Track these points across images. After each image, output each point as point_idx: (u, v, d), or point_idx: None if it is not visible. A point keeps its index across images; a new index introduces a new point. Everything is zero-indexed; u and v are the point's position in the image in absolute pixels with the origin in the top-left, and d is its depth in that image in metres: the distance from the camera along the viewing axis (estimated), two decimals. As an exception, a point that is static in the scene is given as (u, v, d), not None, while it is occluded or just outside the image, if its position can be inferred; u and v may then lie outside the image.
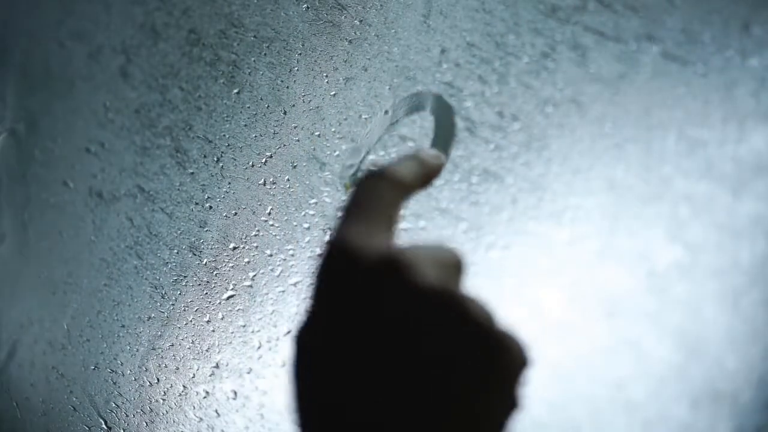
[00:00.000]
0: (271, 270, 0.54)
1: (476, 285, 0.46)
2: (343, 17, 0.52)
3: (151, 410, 0.60)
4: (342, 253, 0.25)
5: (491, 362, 0.24)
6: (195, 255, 0.58)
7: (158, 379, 0.60)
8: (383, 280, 0.25)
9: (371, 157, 0.50)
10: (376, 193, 0.28)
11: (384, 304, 0.24)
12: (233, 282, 0.56)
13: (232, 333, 0.56)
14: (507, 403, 0.25)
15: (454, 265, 0.27)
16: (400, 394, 0.23)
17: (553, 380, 0.42)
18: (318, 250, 0.51)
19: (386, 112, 0.49)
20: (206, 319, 0.57)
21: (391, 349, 0.24)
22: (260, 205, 0.55)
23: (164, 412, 0.59)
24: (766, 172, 0.38)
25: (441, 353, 0.24)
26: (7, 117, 0.76)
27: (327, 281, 0.25)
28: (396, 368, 0.24)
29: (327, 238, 0.27)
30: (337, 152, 0.51)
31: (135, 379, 0.61)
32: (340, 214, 0.28)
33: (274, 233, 0.54)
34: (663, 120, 0.40)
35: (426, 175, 0.32)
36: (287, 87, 0.55)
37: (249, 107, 0.57)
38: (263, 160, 0.55)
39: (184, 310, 0.58)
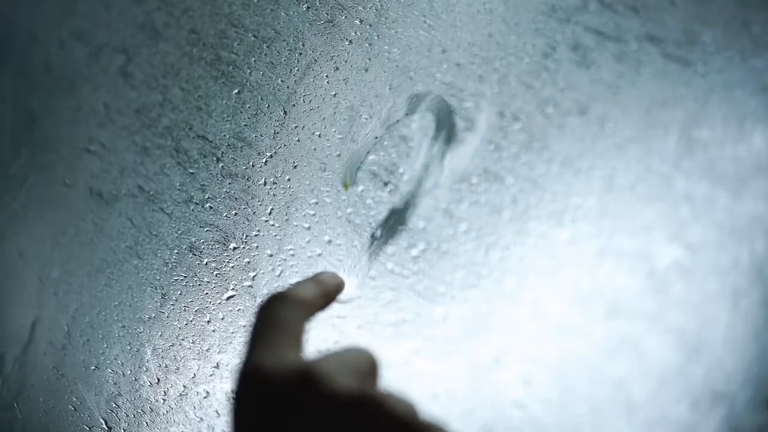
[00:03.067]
0: (272, 270, 0.54)
1: (477, 285, 0.46)
2: (343, 17, 0.53)
3: (152, 410, 0.60)
4: (255, 377, 0.26)
5: None
6: (195, 255, 0.58)
7: (158, 379, 0.60)
8: (299, 396, 0.25)
9: (372, 157, 0.50)
10: (280, 316, 0.29)
11: (304, 419, 0.24)
12: (233, 282, 0.56)
13: (233, 333, 0.56)
14: None
15: (367, 367, 0.28)
16: None
17: (553, 380, 0.42)
18: (318, 250, 0.51)
19: (388, 111, 0.49)
20: (206, 319, 0.57)
21: None
22: (261, 205, 0.55)
23: (164, 412, 0.59)
24: (766, 172, 0.38)
25: None
26: (7, 116, 0.76)
27: (245, 407, 0.26)
28: None
29: (238, 366, 0.27)
30: (337, 152, 0.51)
31: (135, 379, 0.61)
32: (247, 339, 0.28)
33: (274, 233, 0.54)
34: (663, 120, 0.40)
35: (326, 296, 0.34)
36: (287, 87, 0.55)
37: (249, 107, 0.57)
38: (264, 160, 0.55)
39: (185, 310, 0.58)
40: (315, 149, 0.53)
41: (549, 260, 0.43)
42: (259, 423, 0.25)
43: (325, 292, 0.34)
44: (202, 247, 0.58)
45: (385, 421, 0.24)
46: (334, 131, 0.52)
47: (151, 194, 0.61)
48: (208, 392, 0.57)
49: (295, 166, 0.53)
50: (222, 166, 0.57)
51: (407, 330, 0.47)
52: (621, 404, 0.40)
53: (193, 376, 0.58)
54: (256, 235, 0.55)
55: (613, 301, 0.40)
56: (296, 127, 0.54)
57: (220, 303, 0.56)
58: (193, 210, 0.59)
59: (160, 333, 0.60)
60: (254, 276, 0.55)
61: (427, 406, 0.46)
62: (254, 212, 0.55)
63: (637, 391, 0.39)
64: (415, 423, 0.25)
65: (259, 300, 0.54)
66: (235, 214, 0.56)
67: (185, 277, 0.59)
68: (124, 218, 0.63)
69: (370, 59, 0.51)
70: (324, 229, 0.51)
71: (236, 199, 0.56)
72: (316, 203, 0.52)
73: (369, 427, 0.24)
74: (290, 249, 0.53)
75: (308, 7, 0.54)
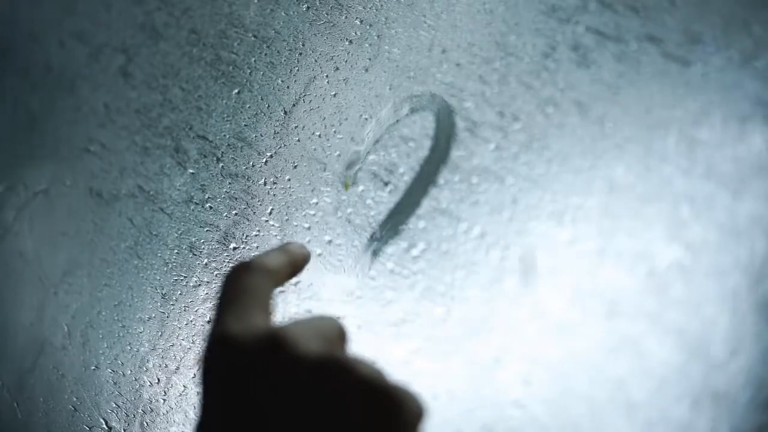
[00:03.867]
0: (272, 270, 0.54)
1: (477, 285, 0.46)
2: (343, 17, 0.53)
3: (152, 410, 0.60)
4: (223, 343, 0.26)
5: (388, 417, 0.24)
6: (195, 255, 0.58)
7: (159, 379, 0.60)
8: (267, 360, 0.25)
9: (372, 157, 0.50)
10: (247, 284, 0.29)
11: (272, 382, 0.24)
12: (233, 282, 0.56)
13: (233, 333, 0.56)
14: None
15: (335, 333, 0.28)
16: None
17: (553, 380, 0.42)
18: (318, 250, 0.51)
19: (388, 111, 0.49)
20: (207, 319, 0.57)
21: (288, 422, 0.24)
22: (261, 205, 0.55)
23: (165, 412, 0.59)
24: (766, 172, 0.38)
25: (337, 418, 0.24)
26: (7, 116, 0.76)
27: (213, 373, 0.26)
28: None
29: (206, 333, 0.27)
30: (338, 152, 0.51)
31: (135, 379, 0.61)
32: (214, 307, 0.29)
33: (274, 233, 0.54)
34: (663, 120, 0.40)
35: (292, 265, 0.34)
36: (287, 87, 0.55)
37: (249, 107, 0.57)
38: (264, 160, 0.55)
39: (185, 310, 0.58)
40: (315, 149, 0.53)
41: (549, 260, 0.43)
42: (227, 388, 0.25)
43: (291, 262, 0.34)
44: (202, 247, 0.58)
45: (352, 384, 0.24)
46: (334, 131, 0.52)
47: (151, 194, 0.61)
48: (208, 392, 0.57)
49: (295, 166, 0.53)
50: (222, 166, 0.57)
51: (407, 330, 0.47)
52: (621, 404, 0.40)
53: (193, 376, 0.58)
54: (256, 235, 0.55)
55: (613, 301, 0.40)
56: (296, 127, 0.54)
57: (220, 303, 0.56)
58: (193, 210, 0.59)
59: (160, 333, 0.60)
60: (254, 276, 0.55)
61: (427, 406, 0.46)
62: (254, 212, 0.55)
63: (637, 391, 0.39)
64: (382, 385, 0.25)
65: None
66: (235, 214, 0.56)
67: (185, 277, 0.59)
68: (124, 218, 0.63)
69: (370, 59, 0.51)
70: (324, 229, 0.51)
71: (236, 199, 0.56)
72: (316, 203, 0.52)
73: (337, 390, 0.24)
74: (290, 249, 0.53)
75: (308, 7, 0.54)
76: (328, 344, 0.27)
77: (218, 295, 0.29)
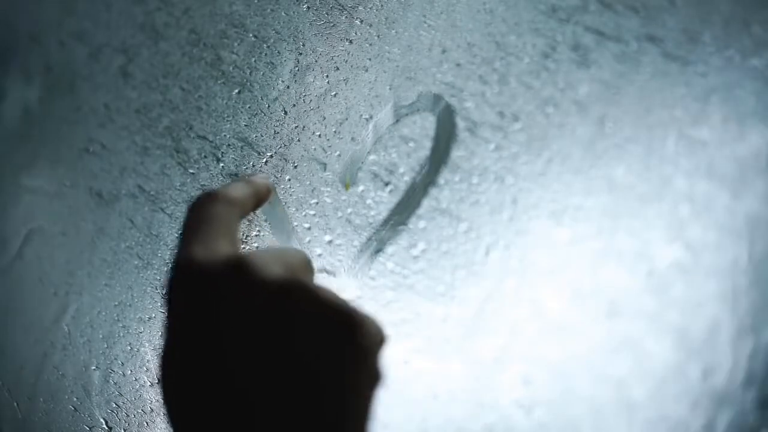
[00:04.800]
0: (272, 270, 0.54)
1: (477, 285, 0.46)
2: (343, 17, 0.53)
3: (152, 410, 0.60)
4: (187, 268, 0.26)
5: (351, 340, 0.25)
6: (195, 255, 0.58)
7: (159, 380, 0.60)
8: (229, 284, 0.25)
9: (372, 157, 0.50)
10: (212, 212, 0.29)
11: (234, 306, 0.25)
12: (233, 282, 0.56)
13: (233, 333, 0.56)
14: (371, 376, 0.26)
15: (299, 262, 0.28)
16: (272, 387, 0.24)
17: (553, 380, 0.42)
18: (318, 250, 0.51)
19: (388, 111, 0.49)
20: (206, 319, 0.57)
21: (250, 343, 0.24)
22: (260, 205, 0.55)
23: (165, 412, 0.59)
24: (766, 172, 0.38)
25: (300, 340, 0.24)
26: (7, 116, 0.76)
27: (177, 297, 0.26)
28: (258, 362, 0.24)
29: (172, 259, 0.28)
30: (338, 152, 0.51)
31: (136, 380, 0.61)
32: (179, 235, 0.29)
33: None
34: (663, 120, 0.40)
35: (256, 196, 0.34)
36: (287, 87, 0.55)
37: (249, 107, 0.57)
38: (264, 161, 0.55)
39: (185, 310, 0.58)
40: (315, 149, 0.53)
41: (549, 260, 0.43)
42: (191, 312, 0.25)
43: (255, 192, 0.35)
44: (202, 247, 0.58)
45: (314, 307, 0.25)
46: (334, 131, 0.52)
47: (152, 194, 0.61)
48: (208, 392, 0.57)
49: (295, 166, 0.53)
50: (222, 166, 0.57)
51: (407, 330, 0.47)
52: (621, 404, 0.40)
53: (193, 376, 0.58)
54: (256, 235, 0.55)
55: (613, 301, 0.40)
56: (296, 127, 0.54)
57: (220, 303, 0.56)
58: (193, 210, 0.59)
59: (160, 333, 0.60)
60: (254, 276, 0.55)
61: (428, 406, 0.46)
62: (254, 212, 0.55)
63: (637, 391, 0.39)
64: (344, 309, 0.25)
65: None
66: (235, 214, 0.56)
67: (185, 277, 0.59)
68: (124, 218, 0.63)
69: (370, 59, 0.51)
70: (324, 229, 0.51)
71: (236, 199, 0.56)
72: (316, 203, 0.52)
73: (298, 312, 0.25)
74: (290, 249, 0.53)
75: (308, 7, 0.54)
76: (291, 271, 0.27)
77: (183, 223, 0.29)
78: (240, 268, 0.25)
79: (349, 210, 0.50)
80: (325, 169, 0.52)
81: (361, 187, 0.50)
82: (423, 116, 0.48)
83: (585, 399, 0.41)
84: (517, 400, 0.43)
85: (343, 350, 0.24)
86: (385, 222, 0.49)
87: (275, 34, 0.56)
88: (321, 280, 0.51)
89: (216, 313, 0.24)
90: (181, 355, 0.25)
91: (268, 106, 0.56)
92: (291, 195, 0.53)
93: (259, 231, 0.54)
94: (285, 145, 0.54)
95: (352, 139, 0.51)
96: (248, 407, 0.23)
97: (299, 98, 0.54)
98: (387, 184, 0.49)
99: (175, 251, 0.27)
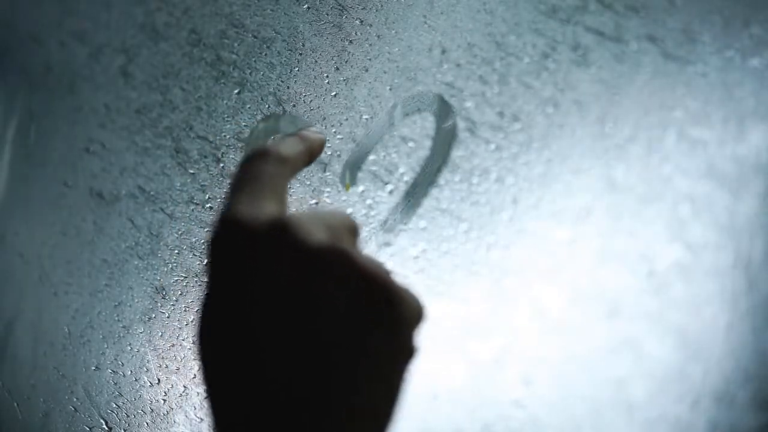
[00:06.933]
0: (272, 270, 0.54)
1: (477, 285, 0.46)
2: (343, 18, 0.53)
3: (152, 410, 0.60)
4: (231, 225, 0.26)
5: (389, 312, 0.24)
6: (196, 255, 0.58)
7: (159, 380, 0.60)
8: (272, 244, 0.25)
9: (372, 157, 0.50)
10: (261, 169, 0.29)
11: (275, 266, 0.24)
12: (234, 282, 0.56)
13: (233, 333, 0.56)
14: (405, 350, 0.25)
15: (345, 227, 0.28)
16: (306, 354, 0.24)
17: (553, 380, 0.42)
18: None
19: (388, 111, 0.50)
20: (207, 319, 0.57)
21: (284, 309, 0.24)
22: (261, 205, 0.55)
23: (165, 412, 0.59)
24: (766, 171, 0.38)
25: (335, 306, 0.24)
26: (8, 116, 0.76)
27: (218, 253, 0.26)
28: (291, 327, 0.24)
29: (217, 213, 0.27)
30: (338, 153, 0.51)
31: (136, 380, 0.61)
32: (226, 192, 0.28)
33: (274, 233, 0.54)
34: (663, 120, 0.41)
35: (308, 152, 0.33)
36: (287, 87, 0.55)
37: (249, 107, 0.57)
38: (264, 160, 0.55)
39: (185, 311, 0.58)
40: (315, 149, 0.53)
41: (549, 260, 0.43)
42: (231, 270, 0.25)
43: (309, 149, 0.34)
44: (202, 247, 0.58)
45: (354, 275, 0.24)
46: (335, 132, 0.52)
47: (152, 195, 0.61)
48: (208, 392, 0.57)
49: (295, 166, 0.53)
50: (222, 167, 0.57)
51: (407, 330, 0.47)
52: (621, 404, 0.40)
53: (193, 376, 0.58)
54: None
55: (613, 301, 0.40)
56: (296, 127, 0.54)
57: (220, 303, 0.56)
58: (193, 210, 0.59)
59: (160, 333, 0.60)
60: (254, 276, 0.55)
61: (428, 406, 0.46)
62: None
63: (637, 391, 0.39)
64: (385, 280, 0.25)
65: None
66: (236, 214, 0.56)
67: (185, 277, 0.59)
68: (124, 218, 0.63)
69: (370, 59, 0.51)
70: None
71: (236, 199, 0.56)
72: (316, 203, 0.52)
73: (337, 279, 0.24)
74: (290, 249, 0.53)
75: (308, 7, 0.54)
76: (336, 236, 0.26)
77: (232, 180, 0.29)
78: (283, 229, 0.25)
79: (349, 210, 0.50)
80: (325, 169, 0.52)
81: (361, 187, 0.50)
82: (423, 116, 0.48)
83: (585, 399, 0.41)
84: (517, 400, 0.43)
85: (380, 321, 0.24)
86: (386, 221, 0.49)
87: (275, 34, 0.56)
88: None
89: (255, 274, 0.24)
90: (217, 314, 0.25)
91: (268, 106, 0.56)
92: (292, 195, 0.53)
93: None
94: (285, 145, 0.54)
95: (353, 139, 0.51)
96: (281, 372, 0.23)
97: (299, 98, 0.54)
98: (387, 184, 0.49)
99: (222, 208, 0.27)
